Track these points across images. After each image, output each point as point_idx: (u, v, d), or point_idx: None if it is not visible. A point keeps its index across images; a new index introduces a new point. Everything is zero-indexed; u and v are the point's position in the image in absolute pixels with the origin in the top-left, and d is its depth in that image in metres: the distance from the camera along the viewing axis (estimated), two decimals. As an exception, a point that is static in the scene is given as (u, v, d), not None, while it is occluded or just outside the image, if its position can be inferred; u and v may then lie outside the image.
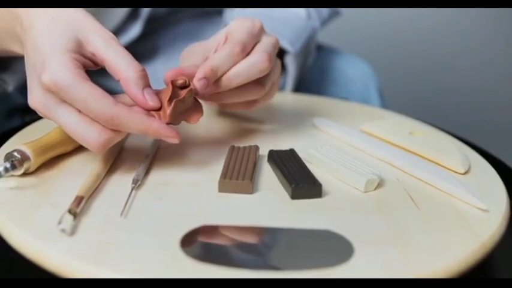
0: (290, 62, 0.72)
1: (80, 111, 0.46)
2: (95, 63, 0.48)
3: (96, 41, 0.47)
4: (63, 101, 0.45)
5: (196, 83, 0.50)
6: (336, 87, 0.85)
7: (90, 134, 0.45)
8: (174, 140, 0.48)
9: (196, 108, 0.51)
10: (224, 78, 0.52)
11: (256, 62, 0.52)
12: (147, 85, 0.48)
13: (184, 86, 0.49)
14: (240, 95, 0.54)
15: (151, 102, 0.47)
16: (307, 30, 0.75)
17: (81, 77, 0.45)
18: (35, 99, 0.46)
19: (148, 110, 0.48)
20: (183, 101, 0.49)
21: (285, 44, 0.70)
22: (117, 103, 0.45)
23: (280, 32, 0.69)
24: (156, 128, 0.46)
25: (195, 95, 0.51)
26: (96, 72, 0.50)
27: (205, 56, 0.55)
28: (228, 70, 0.52)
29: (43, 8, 0.48)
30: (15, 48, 0.52)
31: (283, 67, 0.73)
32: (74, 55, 0.46)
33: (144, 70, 0.47)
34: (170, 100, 0.48)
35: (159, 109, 0.48)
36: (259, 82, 0.55)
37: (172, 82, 0.49)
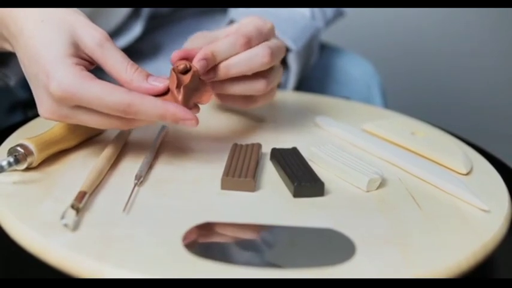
0: (292, 59, 0.72)
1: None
2: (92, 63, 0.48)
3: (91, 45, 0.47)
4: (77, 105, 0.46)
5: (196, 64, 0.50)
6: (339, 86, 0.85)
7: (116, 124, 0.47)
8: (193, 124, 0.47)
9: (205, 88, 0.51)
10: (223, 65, 0.52)
11: (258, 54, 0.53)
12: (147, 75, 0.48)
13: (186, 71, 0.49)
14: (244, 86, 0.54)
15: (160, 84, 0.48)
16: (311, 29, 0.75)
17: (89, 78, 0.45)
18: (48, 110, 0.46)
19: (161, 94, 0.48)
20: (190, 84, 0.49)
21: (288, 42, 0.70)
22: (130, 91, 0.46)
23: (283, 30, 0.69)
24: (173, 111, 0.46)
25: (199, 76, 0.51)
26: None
27: (211, 42, 0.55)
28: (228, 58, 0.52)
29: (30, 9, 0.47)
30: (6, 46, 0.51)
31: (286, 65, 0.73)
32: (75, 59, 0.46)
33: (139, 67, 0.48)
34: (178, 87, 0.48)
35: (166, 92, 0.48)
36: (263, 76, 0.55)
37: (174, 69, 0.49)
